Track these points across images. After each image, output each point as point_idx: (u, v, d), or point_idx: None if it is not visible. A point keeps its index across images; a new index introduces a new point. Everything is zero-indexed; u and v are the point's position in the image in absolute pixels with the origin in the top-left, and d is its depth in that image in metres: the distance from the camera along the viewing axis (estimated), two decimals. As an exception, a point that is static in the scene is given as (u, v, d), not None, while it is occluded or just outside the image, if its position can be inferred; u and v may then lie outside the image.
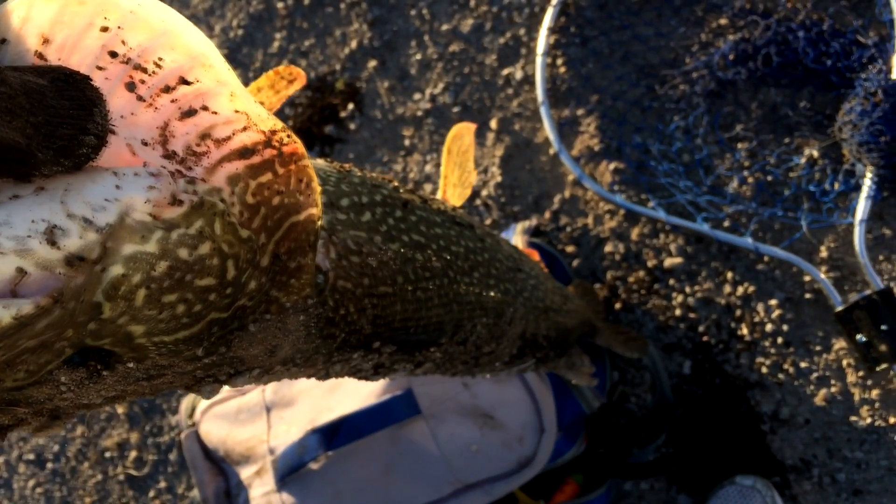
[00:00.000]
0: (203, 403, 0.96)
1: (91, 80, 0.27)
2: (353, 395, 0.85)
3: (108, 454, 1.27)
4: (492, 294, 0.58)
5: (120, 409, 1.27)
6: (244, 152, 0.31)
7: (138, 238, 0.28)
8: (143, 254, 0.28)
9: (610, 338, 0.91)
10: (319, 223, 0.36)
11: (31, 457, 1.32)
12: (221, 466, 0.93)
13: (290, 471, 0.84)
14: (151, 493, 1.23)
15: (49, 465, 1.30)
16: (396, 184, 0.51)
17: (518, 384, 0.82)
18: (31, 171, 0.26)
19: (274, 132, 0.32)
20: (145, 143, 0.30)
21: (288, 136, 0.32)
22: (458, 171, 0.69)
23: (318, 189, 0.35)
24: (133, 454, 1.25)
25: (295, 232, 0.34)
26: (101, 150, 0.28)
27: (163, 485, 1.23)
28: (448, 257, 0.52)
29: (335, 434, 0.82)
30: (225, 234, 0.31)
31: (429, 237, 0.51)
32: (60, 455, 1.30)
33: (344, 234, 0.42)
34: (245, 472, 0.90)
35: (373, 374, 0.53)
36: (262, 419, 0.90)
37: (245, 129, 0.31)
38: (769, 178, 0.99)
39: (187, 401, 0.99)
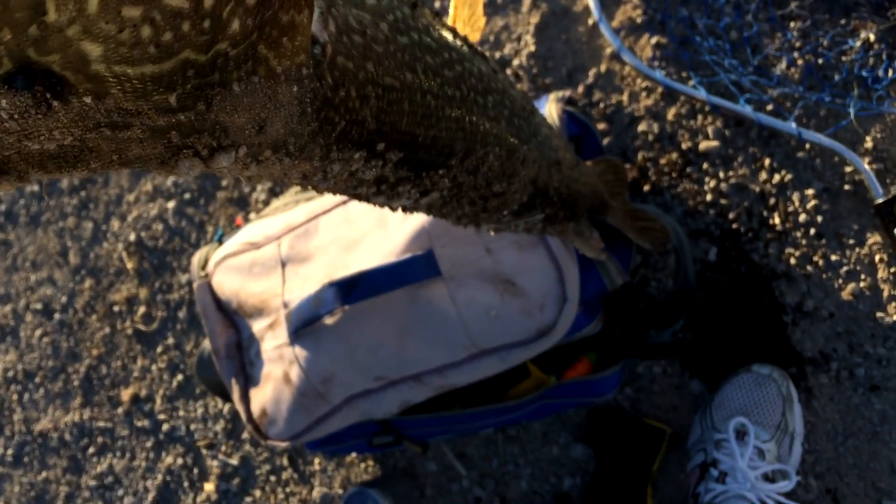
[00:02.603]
0: (216, 255, 0.94)
1: None
2: (372, 253, 0.82)
3: (116, 308, 1.26)
4: (504, 125, 0.54)
5: (129, 265, 1.26)
6: None
7: None
8: None
9: (623, 221, 0.87)
10: None
11: (39, 306, 1.32)
12: (233, 319, 0.92)
13: (303, 324, 0.82)
14: (159, 349, 1.23)
15: (56, 316, 1.30)
16: None
17: (542, 252, 0.80)
18: None
19: None
20: None
21: None
22: (468, 10, 0.63)
23: None
24: (142, 310, 1.25)
25: None
26: None
27: (171, 341, 1.23)
28: (460, 70, 0.47)
29: (352, 288, 0.80)
30: None
31: (440, 44, 0.46)
32: (68, 306, 1.30)
33: (345, 10, 0.37)
34: (257, 325, 0.89)
35: (374, 193, 0.47)
36: (276, 273, 0.88)
37: None
38: (820, 60, 0.94)
39: (200, 253, 0.97)
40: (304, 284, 0.85)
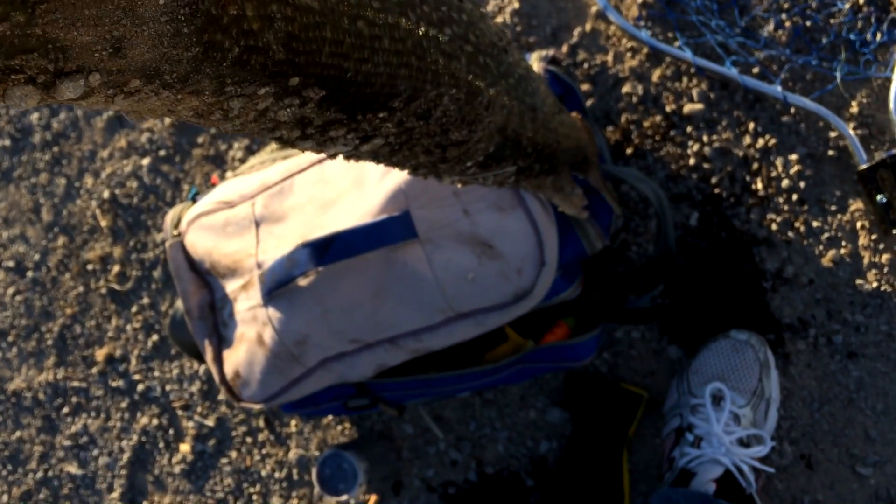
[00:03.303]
0: (189, 213, 0.92)
1: None
2: (347, 213, 0.81)
3: (90, 266, 1.24)
4: (465, 63, 0.45)
5: (103, 223, 1.24)
6: None
7: None
8: None
9: (598, 182, 0.85)
10: None
11: (11, 264, 1.29)
12: (206, 279, 0.90)
13: (277, 285, 0.81)
14: (134, 309, 1.22)
15: (29, 274, 1.28)
16: None
17: (521, 215, 0.78)
18: None
19: None
20: None
21: None
22: None
23: None
24: (116, 269, 1.23)
25: None
26: None
27: (146, 301, 1.21)
28: None
29: (326, 249, 0.78)
30: None
31: None
32: (41, 264, 1.27)
33: None
34: (231, 286, 0.87)
35: (299, 137, 0.39)
36: (250, 233, 0.86)
37: None
38: (808, 23, 0.92)
39: (173, 211, 0.95)
40: (278, 244, 0.83)
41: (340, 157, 0.45)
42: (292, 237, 0.83)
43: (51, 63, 0.25)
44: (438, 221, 0.78)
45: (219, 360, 0.89)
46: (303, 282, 0.80)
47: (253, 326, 0.85)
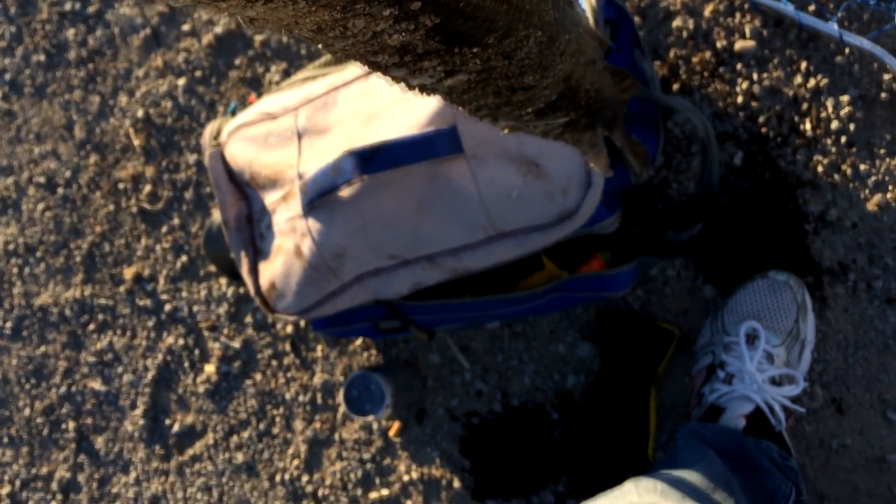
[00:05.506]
0: (230, 125, 0.91)
1: None
2: (393, 126, 0.80)
3: (121, 185, 1.24)
4: (550, 6, 0.48)
5: (136, 142, 1.23)
6: None
7: None
8: None
9: (623, 139, 0.84)
10: None
11: (42, 180, 1.29)
12: (245, 191, 0.90)
13: (319, 195, 0.80)
14: (164, 229, 1.22)
15: (60, 191, 1.28)
16: None
17: (569, 136, 0.77)
18: None
19: None
20: None
21: None
22: None
23: None
24: (147, 188, 1.22)
25: None
26: None
27: (176, 222, 1.21)
28: None
29: (372, 159, 0.78)
30: None
31: None
32: (72, 181, 1.27)
33: None
34: (270, 198, 0.87)
35: (395, 64, 0.41)
36: (292, 144, 0.86)
37: None
38: (870, -39, 0.90)
39: (212, 124, 0.94)
40: (320, 156, 0.83)
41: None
42: (336, 149, 0.82)
43: None
44: (485, 138, 0.78)
45: (254, 272, 0.89)
46: (345, 192, 0.80)
47: (291, 238, 0.84)
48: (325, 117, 0.85)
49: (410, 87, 0.46)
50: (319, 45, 0.38)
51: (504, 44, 0.44)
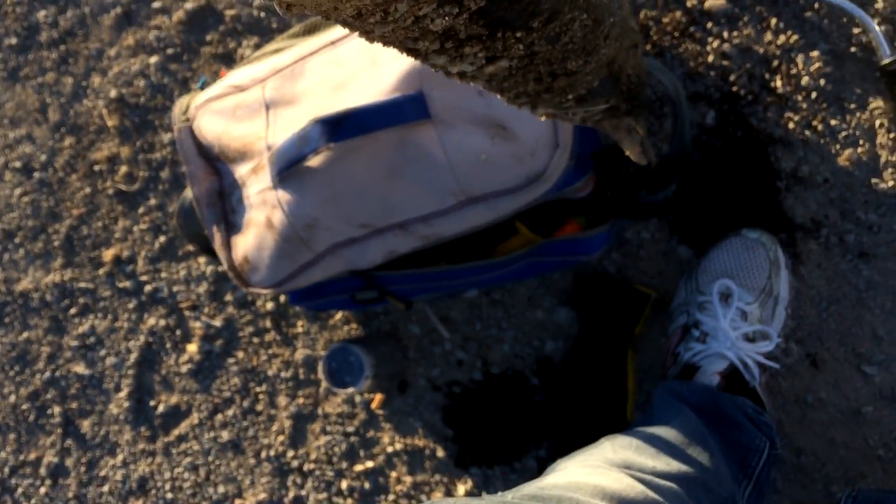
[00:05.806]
0: (198, 99, 0.90)
1: None
2: (361, 93, 0.79)
3: (97, 167, 1.23)
4: None
5: (110, 123, 1.22)
6: None
7: None
8: None
9: (645, 127, 0.83)
10: None
11: (18, 165, 1.28)
12: (216, 165, 0.90)
13: (288, 165, 0.80)
14: (141, 210, 1.21)
15: (36, 175, 1.27)
16: None
17: (537, 97, 0.77)
18: None
19: None
20: None
21: None
22: None
23: None
24: (123, 169, 1.22)
25: None
26: None
27: (153, 202, 1.21)
28: None
29: (339, 126, 0.77)
30: None
31: None
32: (48, 165, 1.26)
33: None
34: (240, 171, 0.86)
35: (436, 51, 0.39)
36: (260, 116, 0.85)
37: None
38: (836, -85, 0.89)
39: (182, 100, 0.94)
40: (289, 127, 0.82)
41: (375, 43, 0.45)
42: (304, 119, 0.81)
43: None
44: (453, 102, 0.77)
45: (227, 247, 0.89)
46: (314, 162, 0.79)
47: (262, 210, 0.84)
48: (292, 87, 0.84)
49: (449, 75, 0.42)
50: (356, 33, 0.37)
51: (549, 28, 0.42)
